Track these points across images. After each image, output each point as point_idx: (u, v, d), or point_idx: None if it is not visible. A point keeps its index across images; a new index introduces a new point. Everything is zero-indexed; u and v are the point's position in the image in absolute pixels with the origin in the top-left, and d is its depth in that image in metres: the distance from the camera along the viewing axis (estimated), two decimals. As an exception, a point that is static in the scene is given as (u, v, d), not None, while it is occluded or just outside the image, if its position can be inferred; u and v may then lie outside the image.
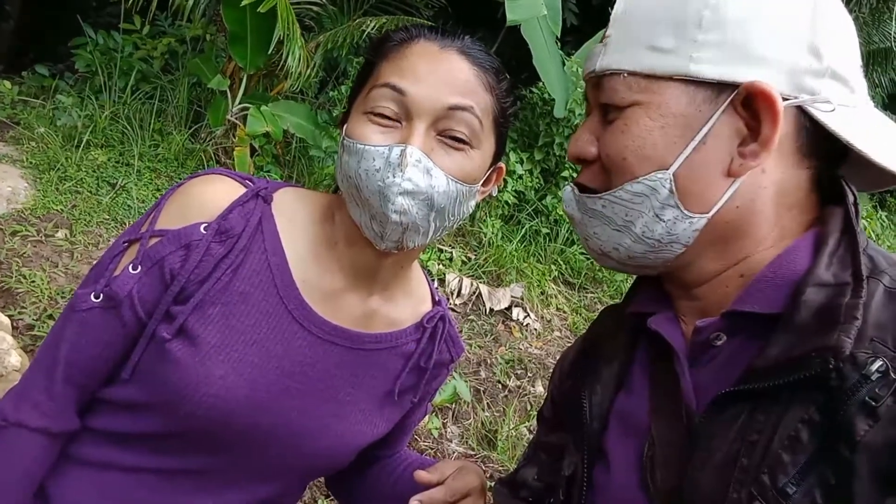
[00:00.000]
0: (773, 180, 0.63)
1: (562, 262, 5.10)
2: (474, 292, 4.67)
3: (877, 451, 0.51)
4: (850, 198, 0.66)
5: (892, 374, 0.53)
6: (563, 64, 5.09)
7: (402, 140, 0.81)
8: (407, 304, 1.01)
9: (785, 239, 0.65)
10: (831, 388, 0.55)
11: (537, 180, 5.14)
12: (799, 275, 0.61)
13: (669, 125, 0.62)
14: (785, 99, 0.61)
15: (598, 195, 0.67)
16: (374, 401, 0.98)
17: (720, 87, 0.62)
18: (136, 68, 4.79)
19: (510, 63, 5.10)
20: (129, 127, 4.29)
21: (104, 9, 7.20)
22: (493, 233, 4.94)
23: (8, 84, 4.88)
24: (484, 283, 4.72)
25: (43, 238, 3.37)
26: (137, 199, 3.83)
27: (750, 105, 0.61)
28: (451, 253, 4.74)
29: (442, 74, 0.82)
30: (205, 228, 0.84)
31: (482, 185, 0.90)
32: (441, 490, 0.87)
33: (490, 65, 0.86)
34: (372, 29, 4.15)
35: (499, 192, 4.96)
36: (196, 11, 4.23)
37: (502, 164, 0.94)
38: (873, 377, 0.54)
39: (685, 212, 0.63)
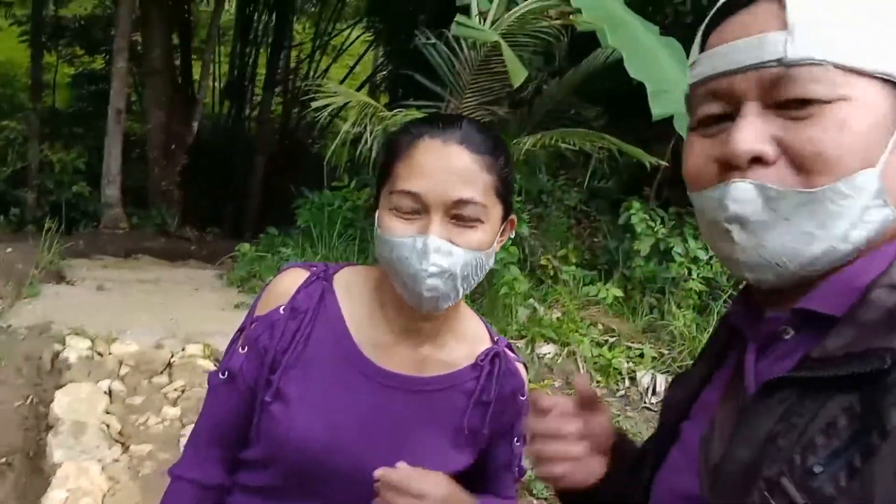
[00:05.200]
0: None
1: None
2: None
3: None
4: None
5: None
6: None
7: (423, 230, 0.97)
8: (460, 347, 1.13)
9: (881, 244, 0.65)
10: (876, 381, 0.56)
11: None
12: (872, 279, 0.62)
13: (877, 123, 0.61)
14: None
15: (810, 191, 0.62)
16: (447, 437, 1.10)
17: None
18: (341, 216, 5.58)
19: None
20: (335, 266, 4.98)
21: (320, 173, 8.48)
22: (684, 325, 4.78)
23: (247, 246, 5.94)
24: (681, 377, 4.53)
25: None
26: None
27: None
28: (642, 349, 4.65)
29: (447, 170, 0.98)
30: (282, 310, 1.09)
31: (498, 237, 1.06)
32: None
33: (487, 146, 1.01)
34: (531, 145, 4.48)
35: (684, 280, 4.83)
36: (378, 162, 4.90)
37: (513, 216, 1.09)
38: None
39: (893, 213, 0.63)
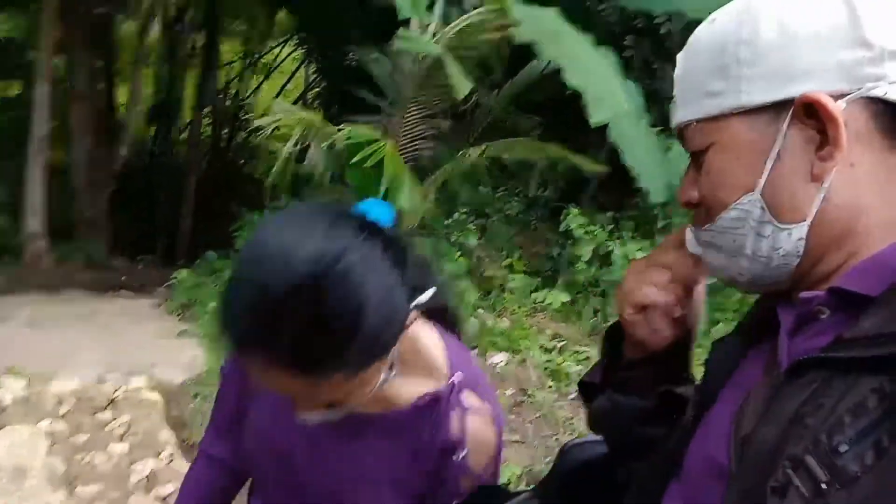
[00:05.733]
0: (867, 171, 0.66)
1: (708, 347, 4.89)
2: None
3: None
4: None
5: None
6: (668, 149, 5.20)
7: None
8: (405, 385, 0.98)
9: None
10: None
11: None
12: None
13: (744, 153, 0.69)
14: (843, 95, 0.65)
15: (704, 227, 0.74)
16: (385, 477, 1.02)
17: (777, 108, 0.67)
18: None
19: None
20: (281, 287, 4.88)
21: (259, 195, 8.34)
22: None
23: (185, 272, 5.76)
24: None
25: (219, 395, 3.86)
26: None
27: (813, 114, 0.66)
28: (588, 352, 4.75)
29: (273, 389, 0.85)
30: None
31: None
32: None
33: (298, 354, 0.77)
34: (477, 156, 4.53)
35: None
36: (324, 179, 4.85)
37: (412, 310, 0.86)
38: None
39: (779, 224, 0.68)
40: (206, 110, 11.87)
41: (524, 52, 5.48)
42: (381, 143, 4.25)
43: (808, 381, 0.62)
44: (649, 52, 6.12)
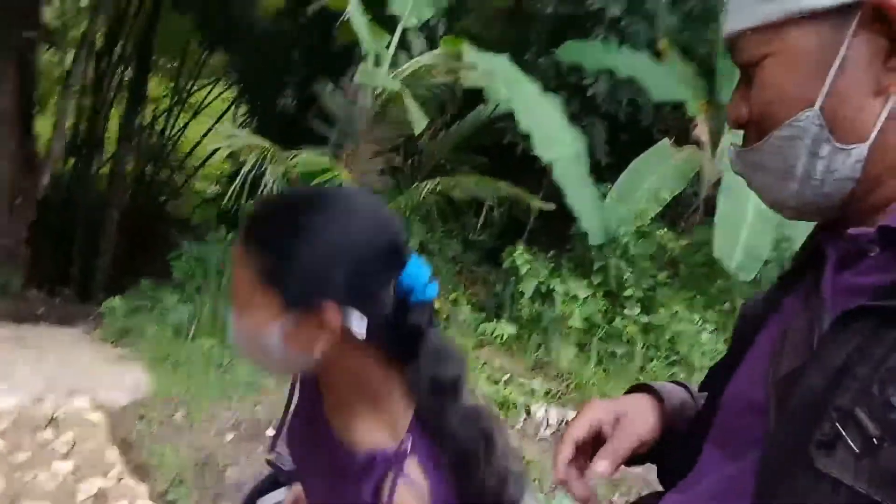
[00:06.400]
0: None
1: (644, 381, 5.13)
2: (562, 421, 4.75)
3: None
4: None
5: None
6: (604, 197, 5.56)
7: None
8: (359, 423, 0.92)
9: None
10: None
11: (602, 303, 5.36)
12: None
13: (802, 64, 0.63)
14: None
15: (752, 147, 0.68)
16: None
17: (842, 12, 0.61)
18: (228, 268, 5.41)
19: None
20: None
21: (190, 230, 8.17)
22: (569, 361, 5.09)
23: (117, 300, 5.54)
24: (571, 409, 4.80)
25: (165, 418, 3.74)
26: (243, 376, 4.24)
27: (883, 18, 0.59)
28: (532, 385, 4.89)
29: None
30: None
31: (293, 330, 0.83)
32: None
33: (248, 233, 0.86)
34: (428, 190, 4.69)
35: (566, 318, 5.18)
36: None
37: (324, 310, 0.81)
38: None
39: (838, 145, 0.62)
40: (130, 145, 11.57)
41: (469, 99, 5.79)
42: (337, 172, 4.35)
43: (856, 330, 0.58)
44: (579, 107, 6.54)
